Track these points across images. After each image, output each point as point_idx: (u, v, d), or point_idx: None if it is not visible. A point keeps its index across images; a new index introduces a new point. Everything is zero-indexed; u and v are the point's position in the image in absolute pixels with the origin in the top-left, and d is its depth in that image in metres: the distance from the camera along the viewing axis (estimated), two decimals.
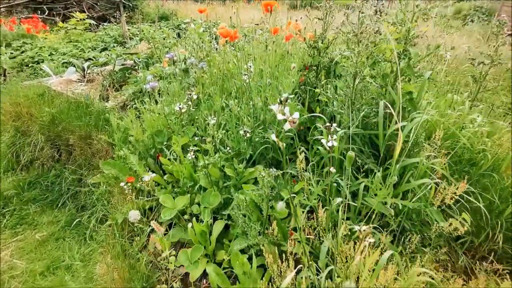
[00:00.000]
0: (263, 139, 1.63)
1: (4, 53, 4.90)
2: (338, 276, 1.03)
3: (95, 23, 7.06)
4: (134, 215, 1.48)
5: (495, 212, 1.47)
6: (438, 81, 2.29)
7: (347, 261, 1.01)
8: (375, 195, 1.25)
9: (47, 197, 2.69)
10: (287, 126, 0.99)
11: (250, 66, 1.72)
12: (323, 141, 1.15)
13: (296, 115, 1.00)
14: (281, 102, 1.06)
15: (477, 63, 1.79)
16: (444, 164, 1.21)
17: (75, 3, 8.32)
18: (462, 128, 1.53)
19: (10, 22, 6.37)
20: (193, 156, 1.46)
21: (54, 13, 7.89)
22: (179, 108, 1.51)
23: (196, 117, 1.88)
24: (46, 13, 7.63)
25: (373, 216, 1.21)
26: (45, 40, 5.72)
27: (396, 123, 1.26)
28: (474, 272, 1.38)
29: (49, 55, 5.05)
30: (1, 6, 7.47)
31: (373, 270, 0.96)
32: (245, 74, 1.69)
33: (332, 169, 1.05)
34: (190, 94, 1.41)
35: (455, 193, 1.07)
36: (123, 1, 5.52)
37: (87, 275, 1.88)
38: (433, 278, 0.99)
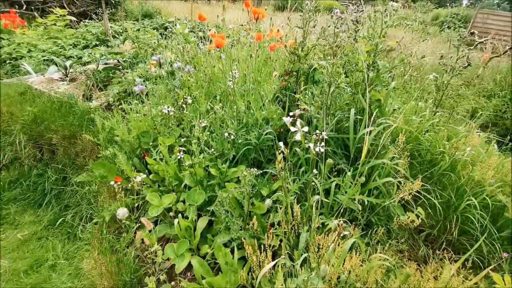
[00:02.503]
0: (246, 140, 1.74)
1: None
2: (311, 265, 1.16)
3: (75, 19, 6.91)
4: (122, 212, 1.55)
5: (452, 208, 1.65)
6: (408, 88, 2.48)
7: (319, 250, 1.14)
8: (346, 192, 1.39)
9: (29, 196, 2.67)
10: (298, 137, 1.10)
11: (236, 72, 1.83)
12: (311, 145, 1.27)
13: (306, 128, 1.12)
14: (263, 105, 1.17)
15: (437, 74, 1.98)
16: (405, 164, 1.37)
17: None
18: (426, 132, 1.71)
19: None
20: (181, 156, 1.55)
21: (32, 7, 7.65)
22: (168, 110, 1.59)
23: (182, 119, 1.96)
24: (24, 8, 7.39)
25: (344, 211, 1.35)
26: (23, 36, 5.55)
27: (365, 127, 1.41)
28: (431, 260, 1.55)
29: (27, 52, 4.91)
30: None
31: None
32: (230, 80, 1.79)
33: (314, 171, 1.17)
34: (186, 98, 1.49)
35: (412, 189, 1.22)
36: None
37: (73, 272, 1.92)
38: (389, 262, 1.14)
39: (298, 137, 1.05)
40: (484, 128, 4.21)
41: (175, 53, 2.41)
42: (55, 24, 6.11)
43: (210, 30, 1.92)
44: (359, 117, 1.42)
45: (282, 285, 1.05)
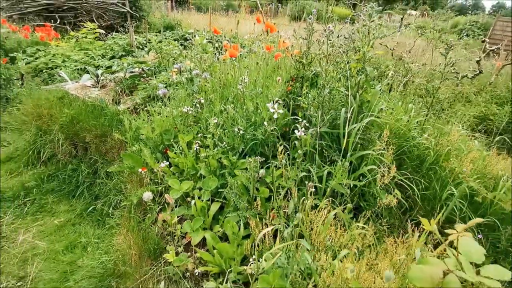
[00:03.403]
0: (253, 136, 2.01)
1: (20, 59, 5.25)
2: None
3: (103, 32, 7.50)
4: (147, 195, 1.84)
5: (438, 198, 1.83)
6: (408, 93, 2.68)
7: (311, 224, 1.37)
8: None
9: (65, 188, 3.02)
10: (275, 116, 1.46)
11: (245, 78, 2.12)
12: (296, 132, 1.53)
13: (281, 111, 1.46)
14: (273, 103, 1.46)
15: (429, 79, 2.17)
16: (389, 155, 1.58)
17: (85, 13, 8.77)
18: (414, 129, 1.91)
19: (24, 29, 6.76)
20: (198, 149, 1.82)
21: (65, 21, 8.34)
22: (187, 110, 1.89)
23: (199, 118, 2.26)
24: (58, 22, 8.08)
25: (336, 195, 1.57)
26: (57, 47, 6.07)
27: (354, 123, 1.64)
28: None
29: (62, 62, 5.39)
30: (14, 13, 7.90)
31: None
32: (240, 85, 2.08)
33: (300, 152, 1.41)
34: (199, 99, 1.78)
35: (390, 174, 1.44)
36: (131, 11, 5.95)
37: (104, 249, 2.23)
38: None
39: (275, 115, 1.36)
40: (494, 135, 4.27)
41: (194, 61, 2.73)
42: (86, 37, 6.66)
43: (226, 41, 2.23)
44: (349, 115, 1.65)
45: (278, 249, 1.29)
